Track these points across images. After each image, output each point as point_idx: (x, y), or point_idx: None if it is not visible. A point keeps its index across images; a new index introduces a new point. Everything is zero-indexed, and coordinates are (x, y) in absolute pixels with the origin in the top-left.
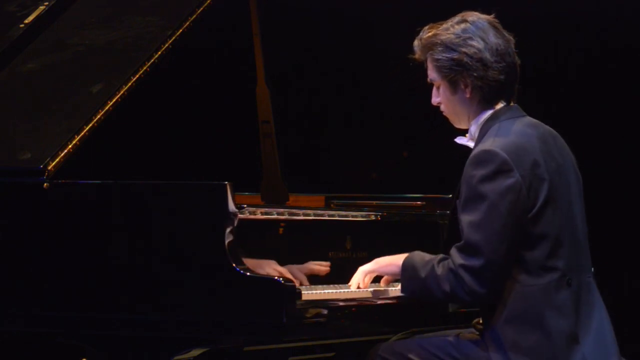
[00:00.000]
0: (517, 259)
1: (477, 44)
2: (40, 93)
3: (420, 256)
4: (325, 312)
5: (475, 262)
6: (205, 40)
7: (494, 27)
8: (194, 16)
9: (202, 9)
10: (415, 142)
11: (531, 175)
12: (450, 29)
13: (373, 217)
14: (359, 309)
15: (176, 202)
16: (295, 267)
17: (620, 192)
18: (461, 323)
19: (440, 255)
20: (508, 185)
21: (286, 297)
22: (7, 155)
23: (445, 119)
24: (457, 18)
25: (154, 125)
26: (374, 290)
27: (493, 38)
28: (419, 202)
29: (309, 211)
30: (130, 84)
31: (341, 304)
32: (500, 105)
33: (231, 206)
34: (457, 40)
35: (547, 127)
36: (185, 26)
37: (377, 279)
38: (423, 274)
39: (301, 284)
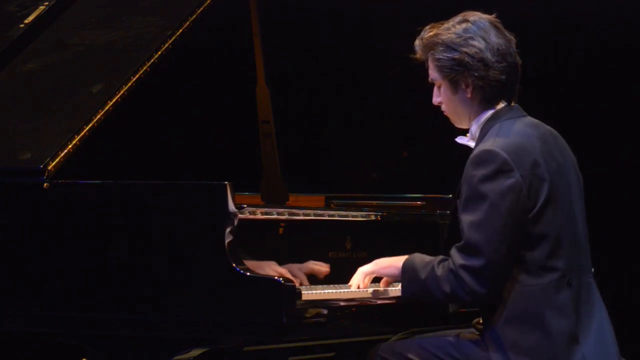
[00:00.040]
0: (518, 259)
1: (479, 43)
2: (40, 93)
3: (420, 258)
4: (325, 312)
5: (476, 262)
6: (205, 40)
7: (496, 27)
8: (194, 16)
9: (202, 9)
10: (415, 142)
11: (531, 176)
12: (451, 29)
13: (373, 217)
14: (359, 309)
15: (176, 202)
16: (295, 266)
17: (620, 192)
18: (461, 323)
19: (440, 257)
20: (508, 185)
21: (286, 297)
22: (7, 155)
23: (446, 119)
24: (458, 18)
25: (154, 125)
26: (374, 291)
27: (494, 38)
28: (419, 202)
29: (309, 211)
30: (130, 84)
31: (341, 304)
32: (501, 105)
33: (231, 206)
34: (458, 40)
35: (548, 127)
36: (185, 26)
37: (377, 279)
38: (423, 275)
39: (301, 284)
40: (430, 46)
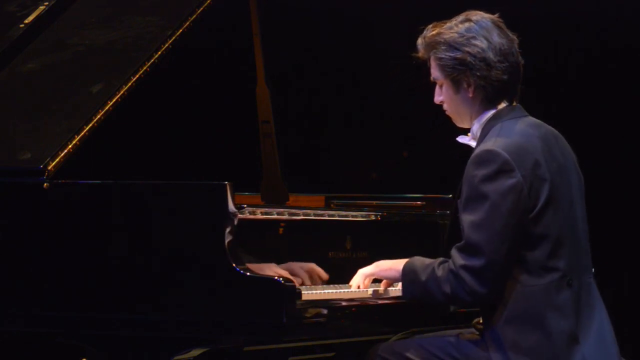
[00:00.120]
0: (518, 259)
1: (481, 43)
2: (40, 93)
3: (420, 260)
4: (325, 312)
5: (476, 262)
6: (205, 40)
7: (498, 27)
8: (194, 16)
9: (202, 9)
10: (415, 142)
11: (532, 176)
12: (454, 28)
13: (373, 217)
14: (359, 309)
15: (176, 202)
16: (297, 265)
17: (620, 192)
18: (461, 323)
19: (441, 259)
20: (509, 186)
21: (286, 297)
22: (7, 155)
23: (446, 119)
24: (461, 17)
25: (154, 125)
26: (374, 291)
27: (497, 38)
28: (419, 202)
29: (309, 211)
30: (130, 84)
31: (341, 304)
32: (502, 105)
33: (231, 206)
34: (460, 39)
35: (549, 127)
36: (185, 26)
37: (377, 280)
38: (424, 277)
39: (302, 283)
40: (432, 45)
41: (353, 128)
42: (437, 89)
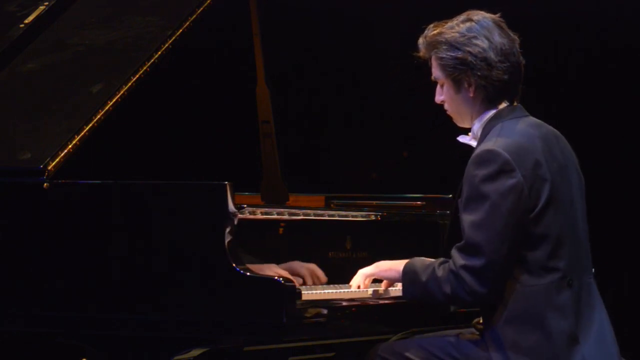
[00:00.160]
0: (519, 259)
1: (482, 43)
2: (40, 93)
3: (420, 261)
4: (325, 312)
5: (476, 262)
6: (205, 40)
7: (499, 27)
8: (194, 16)
9: (202, 9)
10: (415, 142)
11: (533, 176)
12: (455, 28)
13: (373, 217)
14: (359, 309)
15: (176, 202)
16: (298, 263)
17: (620, 192)
18: (461, 323)
19: (441, 259)
20: (510, 186)
21: (286, 297)
22: (7, 155)
23: (445, 119)
24: (462, 17)
25: (154, 125)
26: (374, 291)
27: (498, 37)
28: (419, 202)
29: (309, 211)
30: (130, 84)
31: (341, 304)
32: (503, 105)
33: (231, 206)
34: (461, 39)
35: (550, 127)
36: (185, 26)
37: (376, 280)
38: (424, 277)
39: (304, 281)
40: (433, 45)
41: (353, 128)
42: (438, 88)
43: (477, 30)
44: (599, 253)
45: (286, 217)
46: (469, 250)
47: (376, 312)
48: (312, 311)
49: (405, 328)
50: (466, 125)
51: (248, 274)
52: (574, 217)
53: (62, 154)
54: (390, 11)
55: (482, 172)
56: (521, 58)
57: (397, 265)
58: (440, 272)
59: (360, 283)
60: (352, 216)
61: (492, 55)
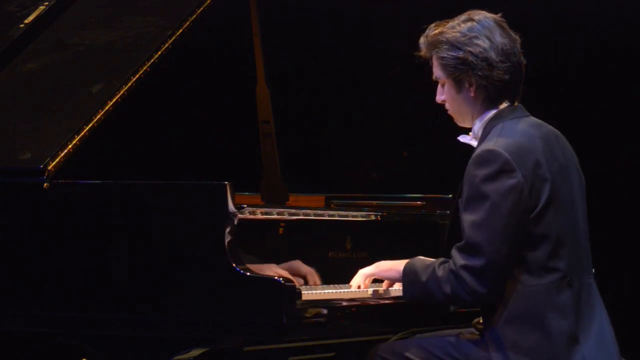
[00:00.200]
0: (519, 259)
1: (483, 43)
2: (40, 93)
3: (421, 261)
4: (325, 312)
5: (477, 262)
6: (205, 40)
7: (500, 27)
8: (194, 16)
9: (202, 9)
10: (415, 142)
11: (533, 176)
12: (456, 27)
13: (373, 217)
14: (359, 309)
15: (176, 202)
16: (299, 263)
17: (620, 192)
18: (461, 323)
19: (441, 259)
20: (510, 186)
21: (286, 297)
22: (7, 155)
23: (445, 119)
24: (463, 16)
25: (154, 125)
26: (374, 291)
27: (499, 37)
28: (419, 202)
29: (309, 211)
30: (130, 84)
31: (341, 304)
32: (504, 105)
33: (231, 206)
34: (462, 39)
35: (551, 127)
36: (185, 26)
37: (376, 280)
38: (424, 277)
39: (305, 279)
40: (434, 44)
41: (353, 128)
42: (439, 88)
43: (478, 30)
44: (599, 253)
45: (286, 217)
46: (469, 250)
47: (376, 312)
48: (312, 311)
49: (405, 328)
50: (467, 125)
51: (248, 274)
52: (575, 217)
53: (62, 154)
54: (390, 11)
55: (482, 172)
56: (522, 58)
57: (397, 266)
58: (440, 272)
59: (361, 283)
60: (352, 216)
61: (493, 55)
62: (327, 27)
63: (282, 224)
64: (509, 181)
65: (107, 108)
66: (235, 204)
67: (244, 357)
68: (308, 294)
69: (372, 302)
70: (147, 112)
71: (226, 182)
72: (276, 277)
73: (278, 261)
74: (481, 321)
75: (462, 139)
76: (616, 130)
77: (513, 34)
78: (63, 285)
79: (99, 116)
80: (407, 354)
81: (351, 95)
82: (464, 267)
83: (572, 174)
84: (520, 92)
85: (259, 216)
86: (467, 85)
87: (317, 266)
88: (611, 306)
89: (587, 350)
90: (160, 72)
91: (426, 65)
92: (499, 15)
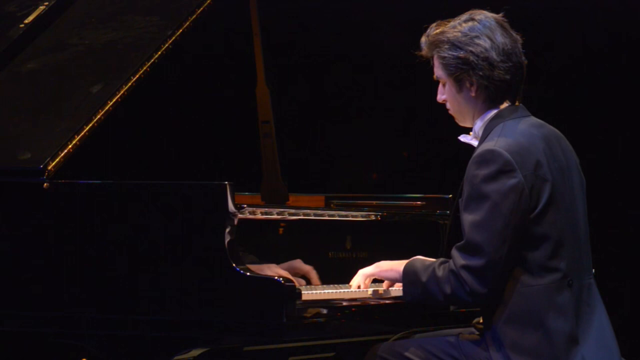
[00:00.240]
0: (519, 260)
1: (484, 43)
2: (40, 93)
3: (421, 261)
4: (325, 312)
5: (477, 262)
6: (205, 40)
7: (502, 27)
8: (194, 16)
9: (202, 9)
10: (415, 142)
11: (534, 176)
12: (457, 27)
13: (373, 217)
14: (359, 309)
15: (176, 202)
16: (299, 262)
17: (620, 192)
18: (461, 323)
19: (441, 259)
20: (511, 186)
21: (286, 297)
22: (7, 155)
23: (446, 119)
24: (464, 16)
25: (154, 125)
26: (374, 291)
27: (500, 37)
28: (419, 202)
29: (309, 211)
30: (130, 84)
31: (341, 304)
32: (505, 105)
33: (231, 206)
34: (464, 38)
35: (552, 127)
36: (185, 26)
37: (377, 280)
38: (424, 278)
39: (307, 278)
40: (435, 44)
41: (353, 128)
42: (440, 87)
43: (479, 30)
44: (599, 253)
45: (286, 217)
46: (469, 250)
47: (376, 312)
48: (312, 311)
49: (405, 328)
50: (468, 125)
51: (248, 274)
52: (575, 217)
53: (62, 154)
54: (390, 11)
55: (482, 172)
56: (523, 58)
57: (397, 266)
58: (440, 272)
59: (361, 283)
60: (352, 216)
61: (494, 55)
62: (327, 27)
63: (282, 224)
64: (510, 181)
65: (107, 108)
66: (235, 204)
67: (244, 357)
68: (308, 294)
69: (372, 302)
70: (147, 112)
71: (226, 182)
72: (276, 277)
73: (278, 261)
74: (481, 321)
75: (463, 138)
76: (616, 130)
77: (514, 34)
78: (63, 285)
79: (98, 116)
80: (407, 354)
81: (351, 95)
82: (464, 267)
83: (573, 174)
84: (521, 92)
85: (259, 216)
86: (468, 85)
87: (317, 266)
88: (611, 306)
89: (586, 350)
90: (161, 72)
91: (427, 64)
92: (501, 15)
